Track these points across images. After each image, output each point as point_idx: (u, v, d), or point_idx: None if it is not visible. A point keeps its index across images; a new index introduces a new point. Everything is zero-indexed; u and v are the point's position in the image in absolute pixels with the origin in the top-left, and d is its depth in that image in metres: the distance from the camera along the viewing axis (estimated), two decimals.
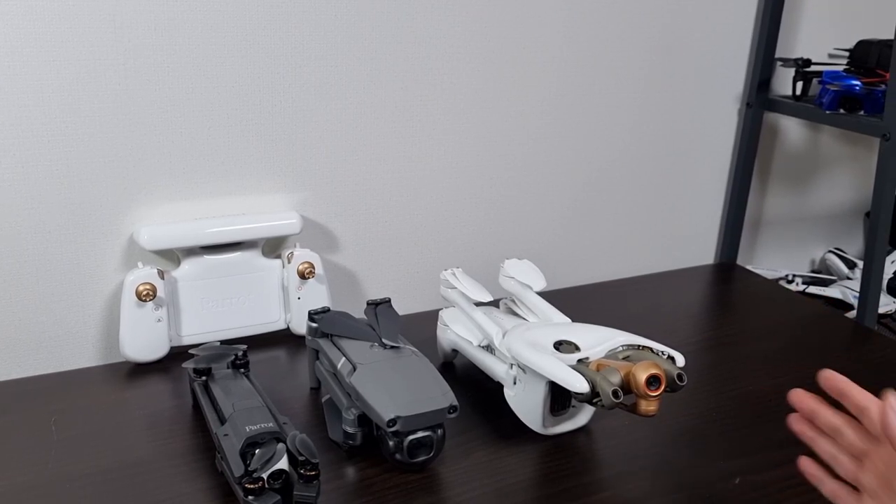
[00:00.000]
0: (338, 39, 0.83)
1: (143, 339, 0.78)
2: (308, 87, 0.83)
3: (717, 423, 0.71)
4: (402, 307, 0.96)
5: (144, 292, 0.76)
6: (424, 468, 0.64)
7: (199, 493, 0.60)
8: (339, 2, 0.82)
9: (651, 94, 1.02)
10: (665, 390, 0.59)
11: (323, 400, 0.70)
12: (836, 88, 0.95)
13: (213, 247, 0.82)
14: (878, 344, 0.87)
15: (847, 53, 1.02)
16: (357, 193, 0.90)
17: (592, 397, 0.60)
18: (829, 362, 0.83)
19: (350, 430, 0.64)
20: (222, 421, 0.62)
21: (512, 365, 0.68)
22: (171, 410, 0.71)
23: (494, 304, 0.90)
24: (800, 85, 1.03)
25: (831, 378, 0.53)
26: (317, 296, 0.85)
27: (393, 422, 0.59)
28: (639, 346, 0.66)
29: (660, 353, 0.65)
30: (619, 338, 0.66)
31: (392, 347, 0.68)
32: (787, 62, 1.05)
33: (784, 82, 1.09)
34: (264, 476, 0.55)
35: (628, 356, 0.65)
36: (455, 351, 0.80)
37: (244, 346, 0.71)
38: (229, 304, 0.83)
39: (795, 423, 0.55)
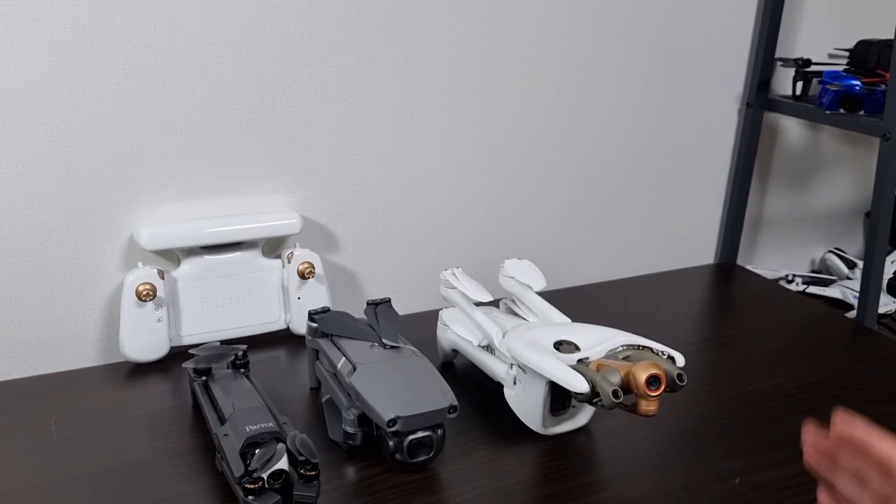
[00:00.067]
0: (338, 39, 0.83)
1: (143, 339, 0.78)
2: (308, 87, 0.83)
3: (717, 423, 0.71)
4: (402, 307, 0.96)
5: (144, 292, 0.76)
6: (424, 468, 0.64)
7: (199, 493, 0.60)
8: (339, 2, 0.82)
9: (651, 94, 1.02)
10: (665, 390, 0.59)
11: (323, 400, 0.70)
12: (836, 88, 0.95)
13: (213, 247, 0.82)
14: (878, 344, 0.87)
15: (847, 53, 1.02)
16: (357, 193, 0.90)
17: (592, 397, 0.60)
18: (829, 362, 0.83)
19: (350, 430, 0.64)
20: (222, 421, 0.62)
21: (512, 365, 0.68)
22: (171, 410, 0.71)
23: (494, 304, 0.90)
24: (800, 85, 1.03)
25: (848, 429, 0.45)
26: (317, 296, 0.85)
27: (393, 422, 0.59)
28: (639, 346, 0.66)
29: (660, 353, 0.65)
30: (619, 338, 0.66)
31: (392, 347, 0.68)
32: (787, 62, 1.05)
33: (784, 82, 1.09)
34: (264, 476, 0.55)
35: (628, 356, 0.65)
36: (455, 351, 0.80)
37: (244, 346, 0.71)
38: (229, 304, 0.83)
39: (811, 459, 0.48)
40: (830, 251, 1.23)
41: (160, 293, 0.78)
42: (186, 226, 0.79)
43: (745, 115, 1.08)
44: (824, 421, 0.71)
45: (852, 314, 1.04)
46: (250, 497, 0.54)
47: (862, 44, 0.98)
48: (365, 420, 0.64)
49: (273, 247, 0.87)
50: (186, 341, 0.81)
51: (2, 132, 0.72)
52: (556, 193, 1.01)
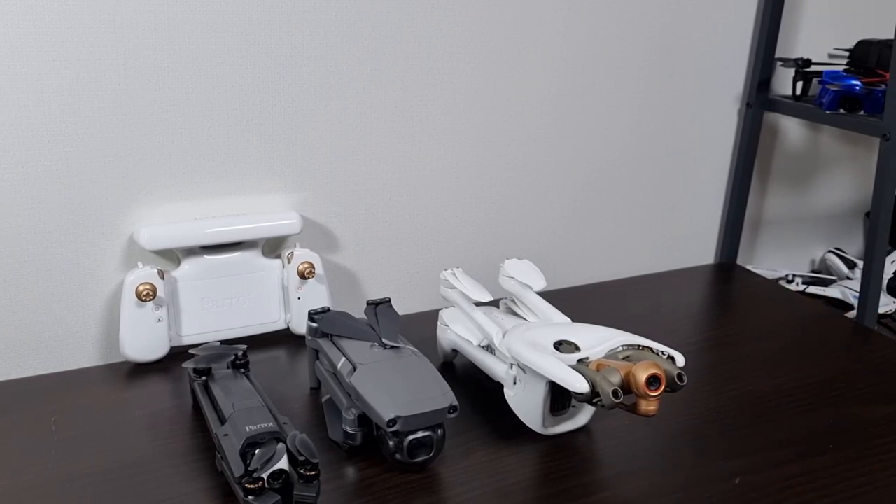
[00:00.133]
0: (338, 39, 0.83)
1: (143, 339, 0.78)
2: (308, 87, 0.83)
3: (717, 423, 0.71)
4: (402, 307, 0.96)
5: (144, 292, 0.76)
6: (424, 468, 0.64)
7: (199, 493, 0.60)
8: (339, 2, 0.82)
9: (651, 94, 1.02)
10: (665, 390, 0.59)
11: (323, 400, 0.70)
12: (836, 88, 0.95)
13: (213, 247, 0.82)
14: (878, 344, 0.87)
15: (847, 53, 1.02)
16: (357, 193, 0.90)
17: (592, 397, 0.60)
18: (829, 362, 0.83)
19: (350, 430, 0.64)
20: (222, 421, 0.62)
21: (512, 365, 0.68)
22: (171, 410, 0.71)
23: (494, 304, 0.90)
24: (800, 85, 1.03)
25: None
26: (317, 296, 0.85)
27: (393, 422, 0.59)
28: (639, 346, 0.66)
29: (660, 353, 0.65)
30: (619, 338, 0.66)
31: (392, 347, 0.68)
32: (787, 62, 1.05)
33: (784, 82, 1.10)
34: (264, 476, 0.55)
35: (628, 356, 0.65)
36: (455, 351, 0.80)
37: (244, 346, 0.71)
38: (229, 304, 0.83)
39: None
40: (830, 251, 1.23)
41: (160, 293, 0.78)
42: (186, 226, 0.80)
43: (745, 115, 1.08)
44: (824, 421, 0.72)
45: (852, 314, 1.04)
46: (250, 497, 0.54)
47: (862, 44, 0.98)
48: (365, 420, 0.64)
49: (273, 247, 0.87)
50: (186, 341, 0.81)
51: (2, 132, 0.73)
52: (556, 193, 1.01)
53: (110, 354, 0.83)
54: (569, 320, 0.74)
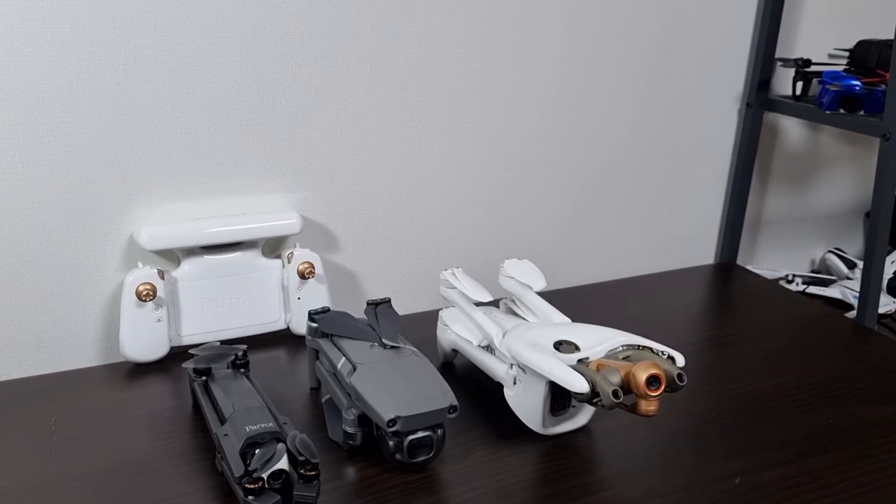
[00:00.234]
0: (338, 39, 0.83)
1: (143, 339, 0.78)
2: (308, 87, 0.83)
3: (717, 423, 0.72)
4: (402, 307, 0.96)
5: (144, 292, 0.76)
6: (424, 468, 0.64)
7: (199, 493, 0.60)
8: (339, 2, 0.82)
9: (651, 94, 1.02)
10: (665, 390, 0.59)
11: (323, 400, 0.70)
12: (836, 88, 0.95)
13: (213, 247, 0.82)
14: (878, 344, 0.87)
15: (847, 53, 1.02)
16: (357, 193, 0.90)
17: (592, 397, 0.60)
18: (829, 362, 0.83)
19: (350, 430, 0.64)
20: (222, 421, 0.62)
21: (512, 365, 0.68)
22: (171, 410, 0.71)
23: (494, 304, 0.90)
24: (800, 85, 1.03)
25: None
26: (317, 296, 0.85)
27: (393, 422, 0.59)
28: (639, 346, 0.66)
29: (660, 353, 0.65)
30: (619, 338, 0.66)
31: (392, 347, 0.68)
32: (787, 62, 1.05)
33: (784, 82, 1.10)
34: (264, 476, 0.55)
35: (628, 356, 0.65)
36: (455, 351, 0.80)
37: (244, 346, 0.71)
38: (229, 304, 0.83)
39: None
40: (830, 251, 1.23)
41: (160, 293, 0.78)
42: (186, 226, 0.80)
43: (745, 115, 1.08)
44: (824, 421, 0.72)
45: (852, 314, 1.04)
46: (250, 497, 0.54)
47: (862, 44, 0.98)
48: (365, 420, 0.64)
49: (273, 247, 0.87)
50: (186, 341, 0.81)
51: (2, 132, 0.73)
52: (556, 193, 1.01)
53: (110, 354, 0.83)
54: (569, 320, 0.74)
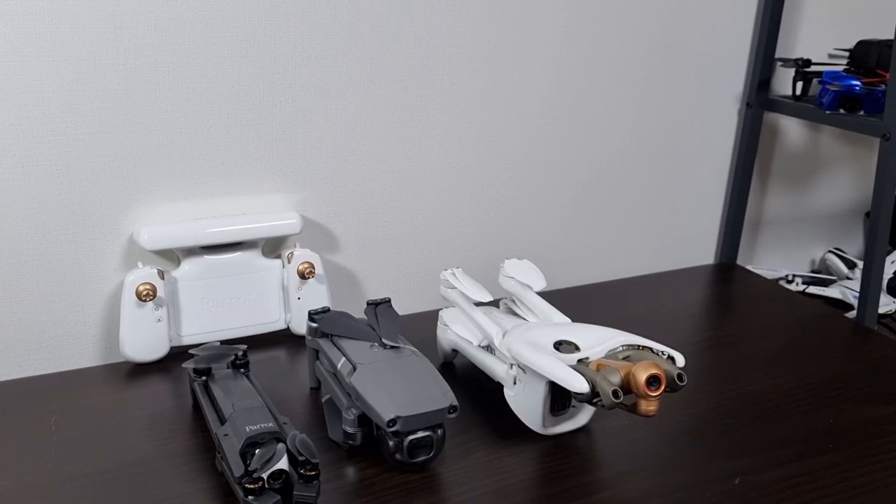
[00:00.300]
0: (338, 39, 0.83)
1: (143, 339, 0.78)
2: (308, 87, 0.83)
3: (717, 423, 0.72)
4: (402, 307, 0.96)
5: (144, 292, 0.76)
6: (424, 468, 0.64)
7: (199, 493, 0.60)
8: (339, 2, 0.82)
9: (651, 94, 1.02)
10: (665, 390, 0.59)
11: (323, 400, 0.70)
12: (836, 88, 0.95)
13: (213, 247, 0.82)
14: (878, 344, 0.87)
15: (847, 53, 1.02)
16: (357, 193, 0.90)
17: (592, 397, 0.60)
18: (829, 362, 0.83)
19: (350, 430, 0.64)
20: (222, 421, 0.62)
21: (512, 365, 0.68)
22: (171, 410, 0.71)
23: (494, 304, 0.90)
24: (800, 85, 1.03)
25: None
26: (317, 296, 0.85)
27: (393, 422, 0.59)
28: (639, 346, 0.66)
29: (660, 353, 0.65)
30: (619, 338, 0.66)
31: (392, 347, 0.68)
32: (787, 62, 1.05)
33: (784, 82, 1.10)
34: (264, 476, 0.55)
35: (628, 356, 0.65)
36: (455, 351, 0.80)
37: (244, 346, 0.71)
38: (229, 304, 0.83)
39: None
40: (830, 251, 1.23)
41: (160, 293, 0.78)
42: (186, 226, 0.80)
43: (745, 115, 1.08)
44: (824, 421, 0.72)
45: (852, 314, 1.04)
46: (250, 497, 0.54)
47: (862, 44, 0.98)
48: (365, 420, 0.64)
49: (273, 247, 0.87)
50: (186, 341, 0.81)
51: (2, 132, 0.73)
52: (556, 193, 1.01)
53: (110, 354, 0.83)
54: (569, 320, 0.74)
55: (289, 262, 0.84)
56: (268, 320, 0.85)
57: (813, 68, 1.03)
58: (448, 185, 0.94)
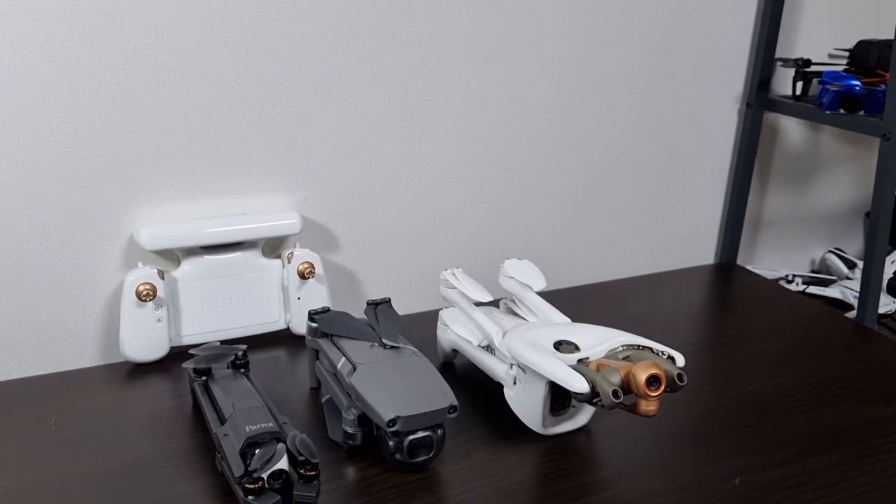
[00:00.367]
0: (338, 39, 0.83)
1: (143, 339, 0.78)
2: (308, 87, 0.83)
3: (717, 423, 0.72)
4: (402, 307, 0.96)
5: (144, 292, 0.76)
6: (424, 468, 0.64)
7: (199, 493, 0.60)
8: (339, 2, 0.82)
9: (651, 94, 1.02)
10: (665, 390, 0.59)
11: (323, 400, 0.70)
12: (836, 88, 0.95)
13: (213, 247, 0.82)
14: (878, 344, 0.87)
15: (847, 53, 1.02)
16: (357, 193, 0.90)
17: (592, 397, 0.60)
18: (829, 362, 0.83)
19: (350, 430, 0.64)
20: (222, 421, 0.62)
21: (512, 365, 0.68)
22: (171, 410, 0.71)
23: (494, 304, 0.90)
24: (800, 85, 1.03)
25: None
26: (317, 296, 0.85)
27: (393, 422, 0.59)
28: (639, 346, 0.66)
29: (660, 353, 0.65)
30: (619, 338, 0.66)
31: (392, 347, 0.68)
32: (787, 62, 1.05)
33: (784, 82, 1.10)
34: (264, 476, 0.55)
35: (628, 356, 0.65)
36: (455, 351, 0.80)
37: (244, 346, 0.71)
38: (229, 304, 0.83)
39: None
40: (830, 251, 1.23)
41: (160, 293, 0.78)
42: (186, 226, 0.80)
43: (745, 115, 1.08)
44: (824, 421, 0.72)
45: (852, 314, 1.04)
46: (250, 497, 0.54)
47: (862, 44, 0.98)
48: (365, 420, 0.64)
49: (273, 247, 0.87)
50: (186, 341, 0.81)
51: (2, 132, 0.73)
52: (556, 193, 1.01)
53: (110, 354, 0.83)
54: (569, 320, 0.74)
55: (289, 262, 0.84)
56: (268, 320, 0.85)
57: (813, 68, 1.03)
58: (448, 185, 0.94)
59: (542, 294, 0.98)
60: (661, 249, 1.11)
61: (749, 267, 1.15)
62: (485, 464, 0.65)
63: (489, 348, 0.73)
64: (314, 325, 0.71)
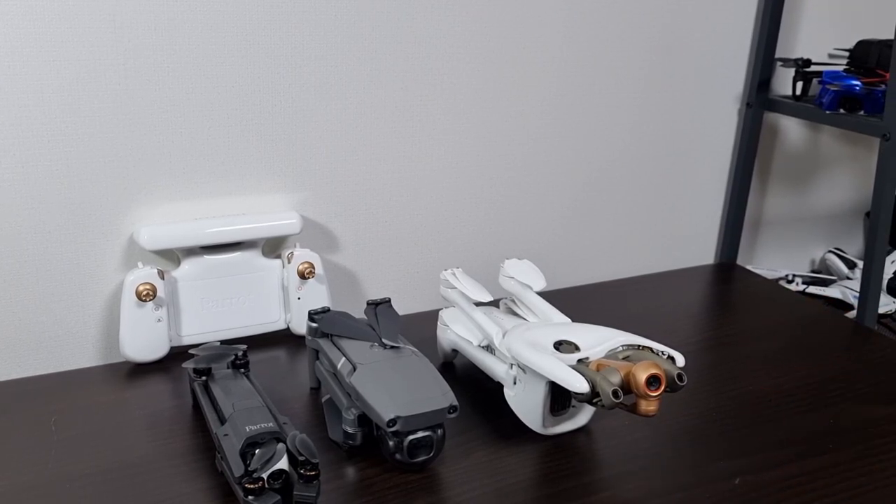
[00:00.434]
0: (338, 39, 0.83)
1: (143, 339, 0.78)
2: (308, 87, 0.83)
3: (717, 423, 0.72)
4: (402, 307, 0.96)
5: (144, 292, 0.76)
6: (424, 468, 0.64)
7: (199, 493, 0.60)
8: (339, 2, 0.82)
9: (651, 94, 1.02)
10: (665, 390, 0.59)
11: (323, 400, 0.70)
12: (836, 88, 0.95)
13: (213, 247, 0.82)
14: (878, 344, 0.87)
15: (847, 53, 1.02)
16: (357, 193, 0.90)
17: (592, 397, 0.60)
18: (829, 362, 0.83)
19: (350, 430, 0.64)
20: (222, 421, 0.62)
21: (512, 365, 0.68)
22: (171, 410, 0.71)
23: (494, 304, 0.90)
24: (800, 85, 1.03)
25: None
26: (317, 296, 0.85)
27: (393, 422, 0.59)
28: (639, 346, 0.66)
29: (660, 353, 0.65)
30: (619, 338, 0.66)
31: (392, 347, 0.68)
32: (787, 62, 1.05)
33: (784, 82, 1.10)
34: (264, 476, 0.55)
35: (628, 356, 0.65)
36: (455, 351, 0.80)
37: (244, 346, 0.71)
38: (229, 304, 0.83)
39: None
40: (830, 251, 1.23)
41: (160, 293, 0.78)
42: (186, 226, 0.80)
43: (745, 115, 1.08)
44: (824, 421, 0.72)
45: (852, 314, 1.04)
46: (250, 497, 0.54)
47: (862, 44, 0.98)
48: (365, 420, 0.64)
49: (273, 247, 0.87)
50: (186, 341, 0.81)
51: (2, 132, 0.73)
52: (556, 193, 1.01)
53: (110, 354, 0.83)
54: (569, 320, 0.74)
55: (289, 262, 0.84)
56: (268, 320, 0.85)
57: (813, 68, 1.03)
58: (448, 185, 0.94)
59: (542, 294, 0.98)
60: (661, 249, 1.11)
61: (749, 267, 1.15)
62: (485, 464, 0.65)
63: (489, 348, 0.73)
64: (314, 325, 0.71)
